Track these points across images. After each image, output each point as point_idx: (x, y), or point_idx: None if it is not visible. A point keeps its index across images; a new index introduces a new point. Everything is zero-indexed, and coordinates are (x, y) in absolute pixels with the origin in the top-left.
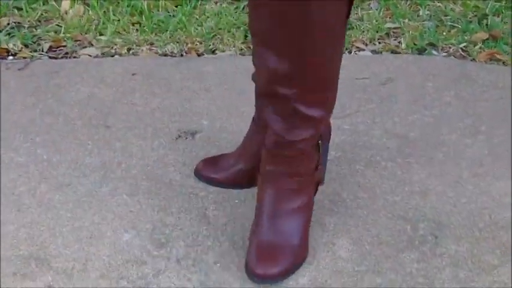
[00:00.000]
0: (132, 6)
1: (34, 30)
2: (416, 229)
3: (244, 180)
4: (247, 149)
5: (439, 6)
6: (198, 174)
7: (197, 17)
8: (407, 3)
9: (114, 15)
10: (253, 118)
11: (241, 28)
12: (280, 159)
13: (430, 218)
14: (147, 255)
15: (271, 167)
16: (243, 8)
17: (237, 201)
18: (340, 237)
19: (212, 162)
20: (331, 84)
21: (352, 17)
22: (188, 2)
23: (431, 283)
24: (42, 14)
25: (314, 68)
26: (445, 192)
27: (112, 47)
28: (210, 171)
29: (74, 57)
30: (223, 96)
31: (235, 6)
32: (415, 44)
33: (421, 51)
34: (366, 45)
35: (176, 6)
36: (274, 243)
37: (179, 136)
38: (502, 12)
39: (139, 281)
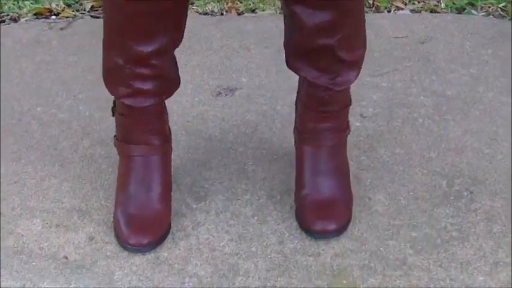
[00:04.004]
0: None
1: None
2: (452, 185)
3: None
4: None
5: None
6: None
7: None
8: None
9: None
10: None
11: None
12: (325, 116)
13: (466, 174)
14: (186, 208)
15: (314, 124)
16: None
17: (275, 156)
18: (376, 192)
19: None
20: (363, 22)
21: None
22: None
23: (466, 237)
24: None
25: (352, 9)
26: (481, 149)
27: None
28: None
29: None
30: (262, 54)
31: None
32: (454, 4)
33: (460, 10)
34: (406, 4)
35: None
36: (329, 200)
37: (219, 93)
38: None
39: (179, 233)
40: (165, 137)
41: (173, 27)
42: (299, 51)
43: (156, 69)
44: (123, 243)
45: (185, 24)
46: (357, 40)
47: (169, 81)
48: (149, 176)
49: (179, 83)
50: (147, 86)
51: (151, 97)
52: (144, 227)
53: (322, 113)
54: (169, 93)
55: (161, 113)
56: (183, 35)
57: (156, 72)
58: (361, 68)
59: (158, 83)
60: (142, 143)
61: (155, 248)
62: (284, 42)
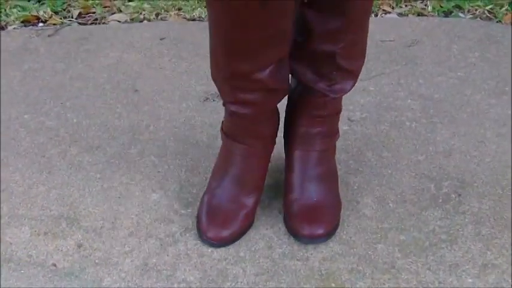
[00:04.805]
0: None
1: None
2: (440, 187)
3: None
4: None
5: None
6: None
7: None
8: None
9: None
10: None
11: None
12: (317, 120)
13: (454, 176)
14: (174, 214)
15: (306, 129)
16: None
17: None
18: (364, 195)
19: None
20: (367, 33)
21: None
22: None
23: (454, 240)
24: None
25: (360, 19)
26: (468, 151)
27: (140, 13)
28: None
29: (103, 23)
30: None
31: None
32: (441, 7)
33: (447, 13)
34: (393, 8)
35: None
36: (317, 205)
37: (206, 98)
38: None
39: (167, 238)
40: (268, 140)
41: (279, 45)
42: (302, 54)
43: (260, 83)
44: (202, 235)
45: (291, 36)
46: (357, 50)
47: (275, 92)
48: (243, 175)
49: (287, 92)
50: (250, 96)
51: (253, 106)
52: (224, 220)
53: (314, 118)
54: (275, 102)
55: (265, 119)
56: (290, 45)
57: (260, 86)
58: (357, 78)
59: (262, 94)
60: (243, 143)
61: (231, 243)
62: None
